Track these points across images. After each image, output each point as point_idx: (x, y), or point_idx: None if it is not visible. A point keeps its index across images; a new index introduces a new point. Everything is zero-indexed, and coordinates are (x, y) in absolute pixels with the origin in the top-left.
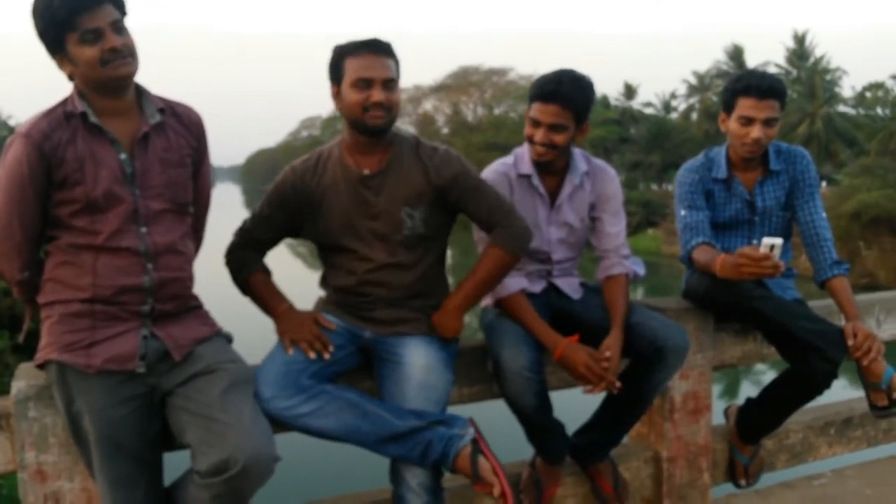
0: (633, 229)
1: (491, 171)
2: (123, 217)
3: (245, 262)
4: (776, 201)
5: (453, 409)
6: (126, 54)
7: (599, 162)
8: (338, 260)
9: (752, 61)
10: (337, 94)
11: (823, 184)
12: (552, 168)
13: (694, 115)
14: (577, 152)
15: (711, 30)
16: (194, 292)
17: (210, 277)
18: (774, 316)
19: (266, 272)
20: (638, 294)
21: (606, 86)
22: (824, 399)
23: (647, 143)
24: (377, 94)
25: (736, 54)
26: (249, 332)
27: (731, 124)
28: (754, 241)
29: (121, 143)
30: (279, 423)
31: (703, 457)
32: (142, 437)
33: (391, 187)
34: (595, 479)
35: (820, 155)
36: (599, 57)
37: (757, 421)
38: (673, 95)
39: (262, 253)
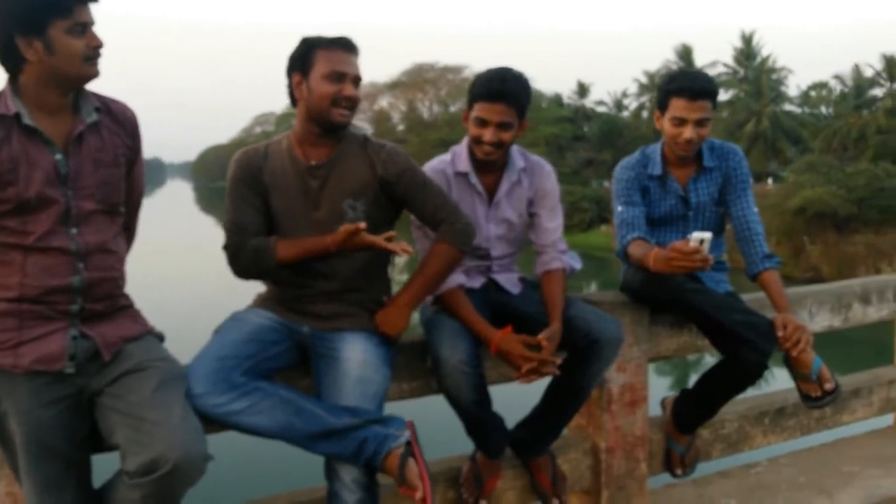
0: (587, 226)
1: (428, 169)
2: (55, 218)
3: (257, 247)
4: (709, 197)
5: (394, 405)
6: (99, 55)
7: (536, 158)
8: None
9: (700, 61)
10: (299, 84)
11: (770, 181)
12: (490, 165)
13: (645, 114)
14: (514, 149)
15: (662, 29)
16: (125, 291)
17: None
18: (706, 309)
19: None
20: (592, 288)
21: (559, 84)
22: (762, 389)
23: (599, 140)
24: (348, 89)
25: (685, 54)
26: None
27: (665, 124)
28: (688, 236)
29: (55, 143)
30: (211, 421)
31: (640, 447)
32: (70, 438)
33: (336, 178)
34: (534, 474)
35: (766, 152)
36: (551, 56)
37: (692, 411)
38: (624, 94)
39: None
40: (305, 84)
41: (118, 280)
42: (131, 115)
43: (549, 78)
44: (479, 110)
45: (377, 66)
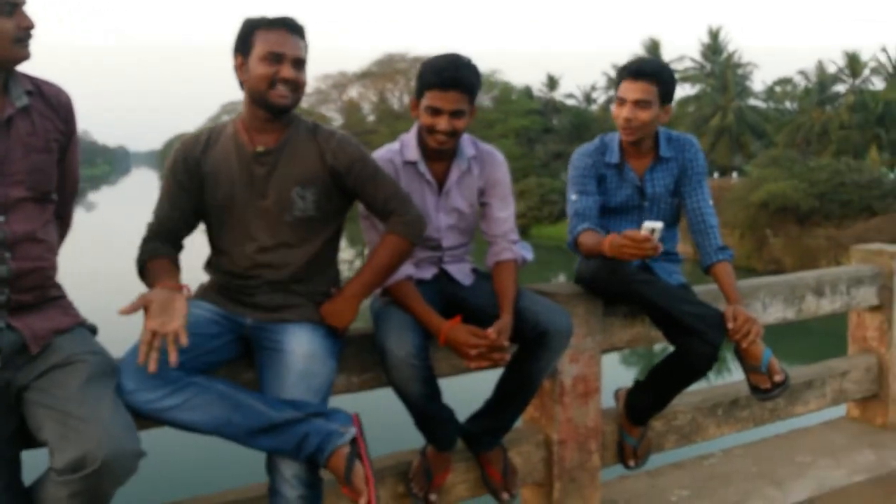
0: (556, 218)
1: (376, 157)
2: None
3: (147, 251)
4: (665, 188)
5: (344, 399)
6: (30, 37)
7: (487, 146)
8: (223, 240)
9: (667, 55)
10: (241, 66)
11: (734, 174)
12: (440, 154)
13: (613, 107)
14: (465, 137)
15: (632, 24)
16: (57, 281)
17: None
18: (657, 300)
19: (168, 259)
20: (560, 279)
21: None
22: (716, 381)
23: (568, 133)
24: (287, 71)
25: (653, 48)
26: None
27: (613, 107)
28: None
29: None
30: (144, 417)
31: (592, 439)
32: None
33: (284, 166)
34: (485, 467)
35: (731, 146)
36: (523, 48)
37: (644, 403)
38: (593, 88)
39: (175, 243)
40: (246, 66)
41: (48, 270)
42: (66, 98)
43: (518, 70)
44: (431, 99)
45: (349, 59)
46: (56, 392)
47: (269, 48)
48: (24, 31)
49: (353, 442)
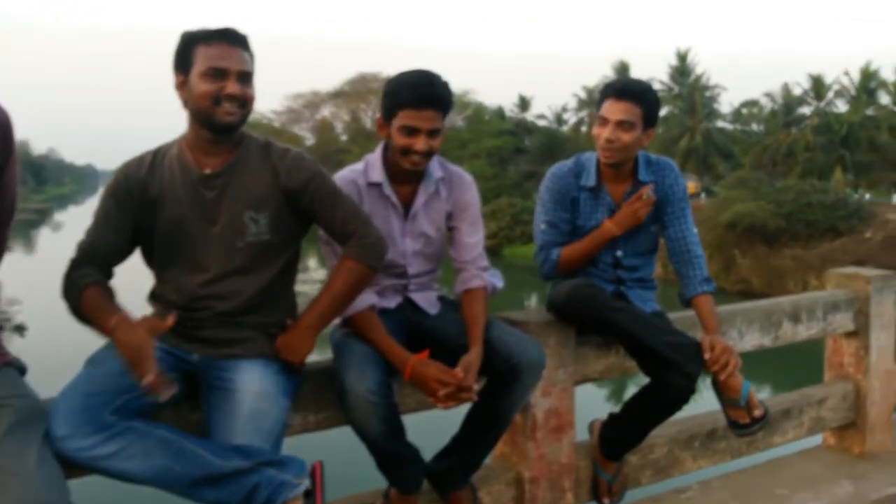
0: (528, 238)
1: (338, 179)
2: None
3: (81, 277)
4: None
5: (301, 439)
6: None
7: (455, 168)
8: (169, 269)
9: (636, 76)
10: (182, 85)
11: (702, 196)
12: (407, 175)
13: (584, 128)
14: (433, 158)
15: (601, 47)
16: None
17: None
18: (630, 328)
19: (103, 286)
20: (533, 301)
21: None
22: (691, 411)
23: (540, 153)
24: (232, 86)
25: (622, 70)
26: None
27: (595, 128)
28: (618, 253)
29: None
30: (77, 466)
31: (566, 476)
32: None
33: (235, 188)
34: None
35: (699, 167)
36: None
37: (619, 437)
38: (564, 109)
39: (106, 269)
40: (187, 84)
41: None
42: (2, 116)
43: (492, 92)
44: (406, 118)
45: (321, 79)
46: None
47: (211, 63)
48: None
49: (309, 493)
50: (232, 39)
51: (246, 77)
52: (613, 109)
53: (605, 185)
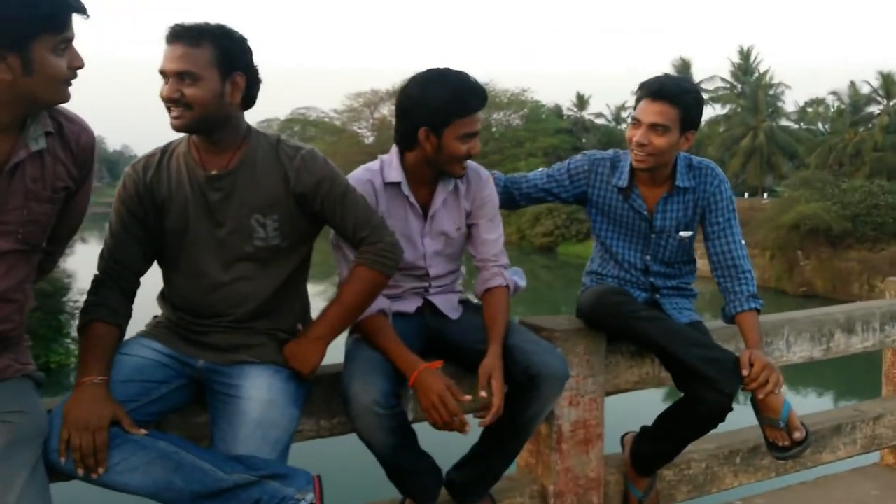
0: (584, 236)
1: (353, 179)
2: None
3: (90, 306)
4: (675, 221)
5: (311, 445)
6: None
7: (472, 163)
8: (177, 274)
9: (698, 75)
10: None
11: (765, 195)
12: (426, 175)
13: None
14: None
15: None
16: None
17: None
18: (659, 339)
19: (112, 324)
20: None
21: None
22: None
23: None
24: (165, 89)
25: (683, 68)
26: None
27: (628, 129)
28: (647, 258)
29: None
30: (77, 479)
31: (594, 491)
32: None
33: (241, 190)
34: None
35: (762, 167)
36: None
37: (651, 452)
38: (622, 107)
39: (131, 281)
40: None
41: (9, 333)
42: (87, 139)
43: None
44: (465, 126)
45: (389, 76)
46: None
47: (160, 67)
48: (74, 71)
49: None
50: (171, 36)
51: (186, 76)
52: (647, 111)
53: (638, 188)
